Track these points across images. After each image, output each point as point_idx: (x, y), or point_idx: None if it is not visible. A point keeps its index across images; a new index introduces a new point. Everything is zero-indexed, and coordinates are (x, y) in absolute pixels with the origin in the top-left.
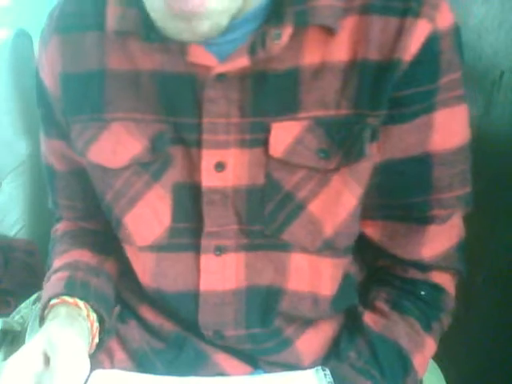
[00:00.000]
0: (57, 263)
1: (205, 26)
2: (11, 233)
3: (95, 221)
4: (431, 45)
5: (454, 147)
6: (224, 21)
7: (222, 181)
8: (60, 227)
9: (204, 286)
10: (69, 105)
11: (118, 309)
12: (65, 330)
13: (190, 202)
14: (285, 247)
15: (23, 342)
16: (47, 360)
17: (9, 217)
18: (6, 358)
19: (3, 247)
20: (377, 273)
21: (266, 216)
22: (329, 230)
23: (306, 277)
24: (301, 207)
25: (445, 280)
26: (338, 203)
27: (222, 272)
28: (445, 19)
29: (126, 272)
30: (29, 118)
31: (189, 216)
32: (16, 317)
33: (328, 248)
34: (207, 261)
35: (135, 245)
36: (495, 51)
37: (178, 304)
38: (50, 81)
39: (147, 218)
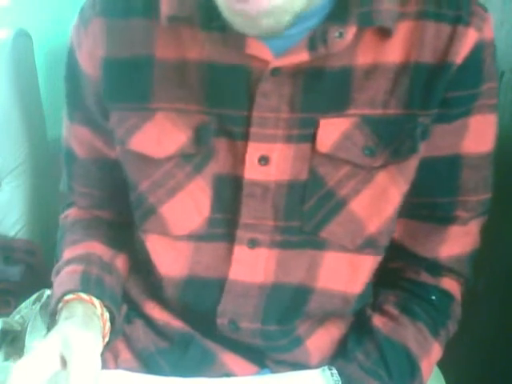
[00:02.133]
0: (68, 254)
1: (268, 23)
2: (11, 233)
3: (109, 210)
4: (477, 52)
5: (483, 152)
6: (287, 18)
7: (265, 174)
8: (71, 213)
9: (233, 275)
10: (110, 90)
11: (125, 308)
12: (81, 331)
13: (230, 194)
14: (321, 245)
15: (23, 342)
16: (63, 362)
17: (9, 217)
18: (6, 358)
19: (3, 247)
20: (387, 275)
21: (304, 212)
22: (373, 227)
23: (342, 275)
24: (341, 205)
25: (454, 287)
26: (384, 200)
27: (252, 264)
28: (489, 31)
29: (135, 269)
30: (29, 118)
31: (227, 207)
32: (16, 317)
33: (369, 246)
34: (240, 252)
35: (170, 234)
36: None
37: (202, 292)
38: (88, 63)
39: (187, 208)
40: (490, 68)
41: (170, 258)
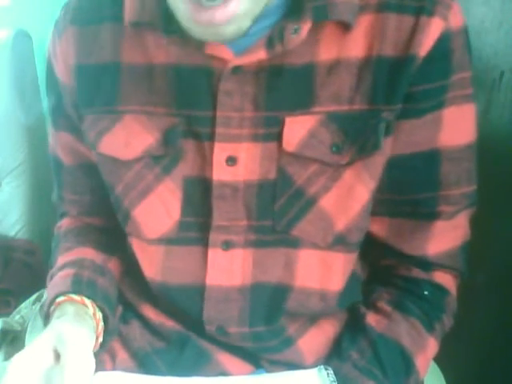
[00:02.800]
0: (61, 260)
1: (230, 30)
2: (11, 233)
3: (100, 217)
4: (444, 42)
5: (462, 144)
6: (248, 23)
7: (233, 175)
8: (64, 224)
9: (210, 281)
10: (82, 96)
11: (120, 309)
12: (75, 327)
13: (200, 196)
14: (294, 243)
15: (23, 342)
16: (57, 356)
17: (9, 217)
18: (6, 358)
19: (3, 247)
20: (379, 273)
21: (276, 211)
22: (341, 224)
23: (316, 273)
24: (312, 203)
25: (447, 281)
26: (350, 197)
27: (228, 267)
28: (456, 19)
29: (128, 272)
30: (29, 117)
31: (198, 210)
32: (16, 317)
33: (340, 243)
34: (214, 255)
35: (144, 238)
36: (495, 51)
37: (182, 298)
38: (62, 72)
39: (157, 211)
40: (461, 57)
41: (147, 262)
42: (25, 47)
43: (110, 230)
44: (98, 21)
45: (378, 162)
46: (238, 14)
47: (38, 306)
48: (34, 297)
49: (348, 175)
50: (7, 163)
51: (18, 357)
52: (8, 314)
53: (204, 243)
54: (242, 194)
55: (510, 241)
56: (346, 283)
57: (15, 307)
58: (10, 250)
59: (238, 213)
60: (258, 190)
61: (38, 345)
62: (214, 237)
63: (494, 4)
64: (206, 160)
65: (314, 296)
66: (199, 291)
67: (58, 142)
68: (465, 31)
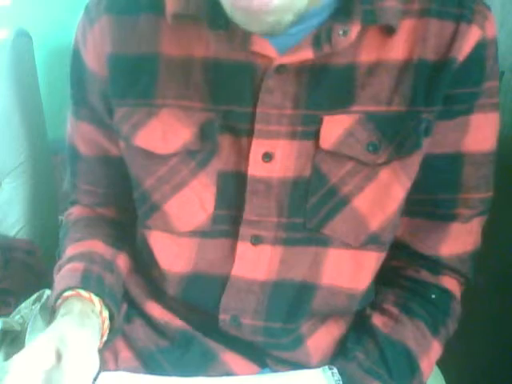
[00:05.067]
0: (70, 251)
1: (270, 21)
2: (11, 233)
3: (113, 208)
4: (480, 50)
5: (485, 150)
6: (289, 17)
7: (268, 171)
8: (74, 211)
9: (235, 272)
10: (116, 87)
11: (125, 307)
12: (78, 329)
13: (234, 191)
14: (324, 242)
15: (23, 342)
16: (59, 357)
17: (9, 217)
18: (6, 358)
19: (3, 247)
20: (387, 273)
21: (308, 209)
22: (376, 224)
23: (346, 272)
24: (345, 202)
25: (454, 286)
26: (387, 196)
27: (255, 261)
28: (492, 29)
29: (136, 268)
30: (29, 117)
31: (231, 204)
32: (16, 317)
33: (373, 242)
34: (243, 248)
35: (175, 231)
36: None
37: (204, 288)
38: (94, 61)
39: (191, 205)
40: (492, 67)
41: (173, 255)
42: (25, 47)
43: (120, 223)
44: (136, 10)
45: (415, 161)
46: (276, 5)
47: (38, 305)
48: (33, 297)
49: (384, 174)
50: (7, 163)
51: (19, 356)
52: (8, 314)
53: (234, 236)
54: (275, 190)
55: (510, 242)
56: (370, 282)
57: (15, 307)
58: (10, 250)
59: (270, 209)
60: (291, 187)
61: (39, 345)
62: (244, 231)
63: (494, 4)
64: (241, 155)
65: (342, 295)
66: (223, 281)
67: (77, 132)
68: (496, 42)
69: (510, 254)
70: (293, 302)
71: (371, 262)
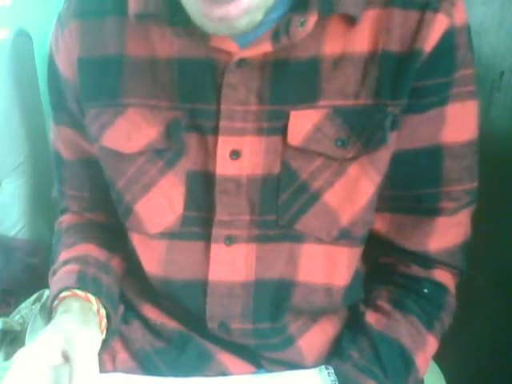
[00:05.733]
0: (64, 256)
1: (243, 24)
2: (11, 233)
3: (101, 212)
4: (448, 39)
5: (464, 141)
6: (260, 16)
7: (237, 169)
8: (65, 219)
9: (212, 276)
10: (85, 90)
11: (122, 309)
12: (83, 329)
13: (203, 191)
14: (297, 238)
15: (23, 342)
16: (65, 358)
17: (9, 217)
18: (6, 358)
19: (3, 247)
20: (378, 271)
21: (279, 206)
22: (346, 218)
23: (320, 267)
24: (315, 197)
25: (447, 279)
26: (355, 191)
27: (231, 263)
28: (461, 16)
29: (129, 271)
30: (29, 117)
31: (201, 204)
32: (16, 317)
33: (344, 237)
34: (217, 250)
35: (146, 232)
36: (495, 51)
37: (185, 294)
38: (65, 66)
39: (160, 205)
40: (465, 54)
41: (149, 257)
42: (25, 47)
43: (111, 227)
44: (102, 14)
45: (383, 156)
46: (251, 7)
47: (38, 305)
48: (33, 297)
49: (353, 169)
50: (7, 163)
51: (23, 351)
52: (8, 314)
53: (207, 238)
54: (245, 188)
55: (510, 241)
56: (351, 279)
57: (15, 307)
58: (11, 250)
59: (241, 207)
60: (261, 185)
61: (44, 342)
62: (216, 232)
63: (494, 4)
64: (209, 154)
65: (319, 291)
66: (202, 287)
67: (58, 137)
68: (468, 28)
69: (509, 253)
70: (274, 301)
71: (344, 257)
